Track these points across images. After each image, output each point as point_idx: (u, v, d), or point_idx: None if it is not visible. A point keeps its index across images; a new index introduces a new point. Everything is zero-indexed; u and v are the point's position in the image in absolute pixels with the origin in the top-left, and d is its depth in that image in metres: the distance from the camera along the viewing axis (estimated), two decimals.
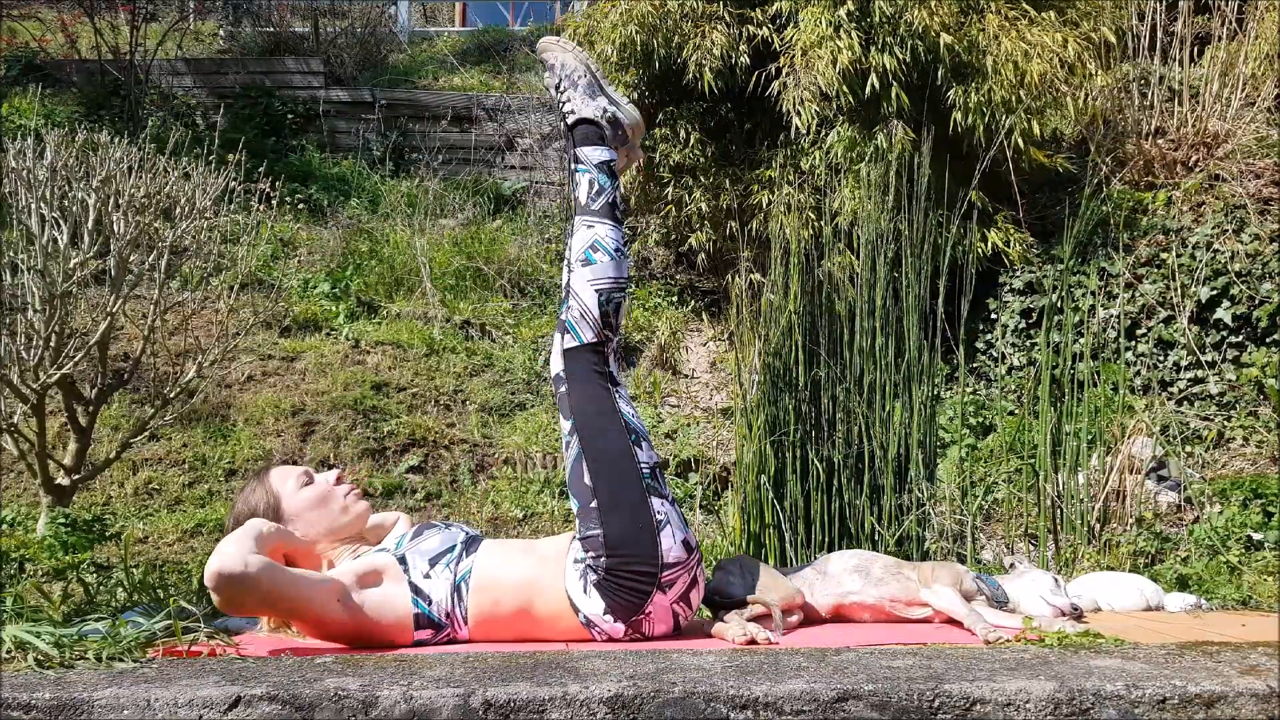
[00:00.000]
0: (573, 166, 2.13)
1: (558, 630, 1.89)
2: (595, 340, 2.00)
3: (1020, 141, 4.57)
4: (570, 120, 2.16)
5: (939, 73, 4.67)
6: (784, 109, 4.89)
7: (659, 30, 5.15)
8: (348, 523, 2.00)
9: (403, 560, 1.89)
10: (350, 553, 1.98)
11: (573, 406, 1.98)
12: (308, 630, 1.84)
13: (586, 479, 1.91)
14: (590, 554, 1.88)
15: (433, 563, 1.89)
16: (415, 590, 1.85)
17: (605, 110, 2.16)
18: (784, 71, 4.94)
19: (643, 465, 1.93)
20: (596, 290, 2.01)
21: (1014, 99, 4.58)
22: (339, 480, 2.02)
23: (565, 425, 1.98)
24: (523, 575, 1.89)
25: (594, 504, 1.89)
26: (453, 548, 1.91)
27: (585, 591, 1.87)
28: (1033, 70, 4.52)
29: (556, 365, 2.03)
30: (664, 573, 1.87)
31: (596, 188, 2.09)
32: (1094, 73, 4.78)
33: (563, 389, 2.01)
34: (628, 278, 2.07)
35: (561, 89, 2.18)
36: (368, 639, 1.83)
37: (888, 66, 4.65)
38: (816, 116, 4.85)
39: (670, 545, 1.88)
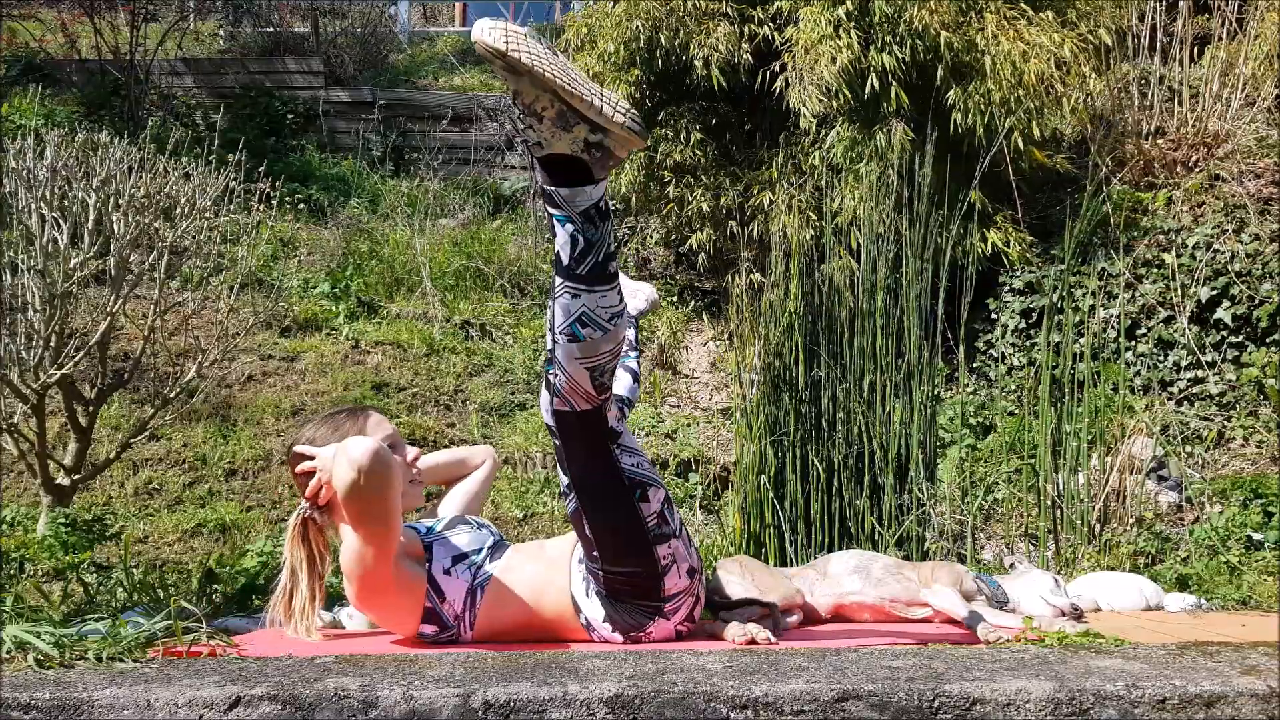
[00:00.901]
0: (547, 210, 1.68)
1: (560, 630, 1.89)
2: (589, 408, 1.73)
3: (1019, 142, 4.57)
4: (539, 153, 1.64)
5: (938, 72, 4.67)
6: (787, 105, 4.90)
7: (664, 25, 5.14)
8: (408, 499, 1.98)
9: (429, 549, 1.88)
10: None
11: (569, 466, 1.79)
12: (363, 549, 1.76)
13: (588, 531, 1.82)
14: (591, 580, 1.87)
15: (455, 560, 1.88)
16: (432, 583, 1.86)
17: (586, 140, 1.61)
18: (786, 69, 4.94)
19: (649, 519, 1.80)
20: (588, 369, 1.69)
21: (1012, 99, 4.58)
22: (414, 462, 1.98)
23: (564, 478, 1.82)
24: (531, 580, 1.90)
25: (595, 553, 1.83)
26: (479, 550, 1.91)
27: (588, 595, 1.87)
28: (1030, 70, 4.52)
29: (546, 416, 1.77)
30: (668, 604, 1.86)
31: (581, 245, 1.64)
32: (1088, 75, 4.77)
33: (556, 442, 1.79)
34: (623, 338, 1.70)
35: (524, 118, 1.62)
36: (382, 602, 1.84)
37: (887, 66, 4.65)
38: (820, 114, 4.85)
39: (675, 582, 1.85)
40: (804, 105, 4.82)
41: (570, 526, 1.90)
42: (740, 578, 2.07)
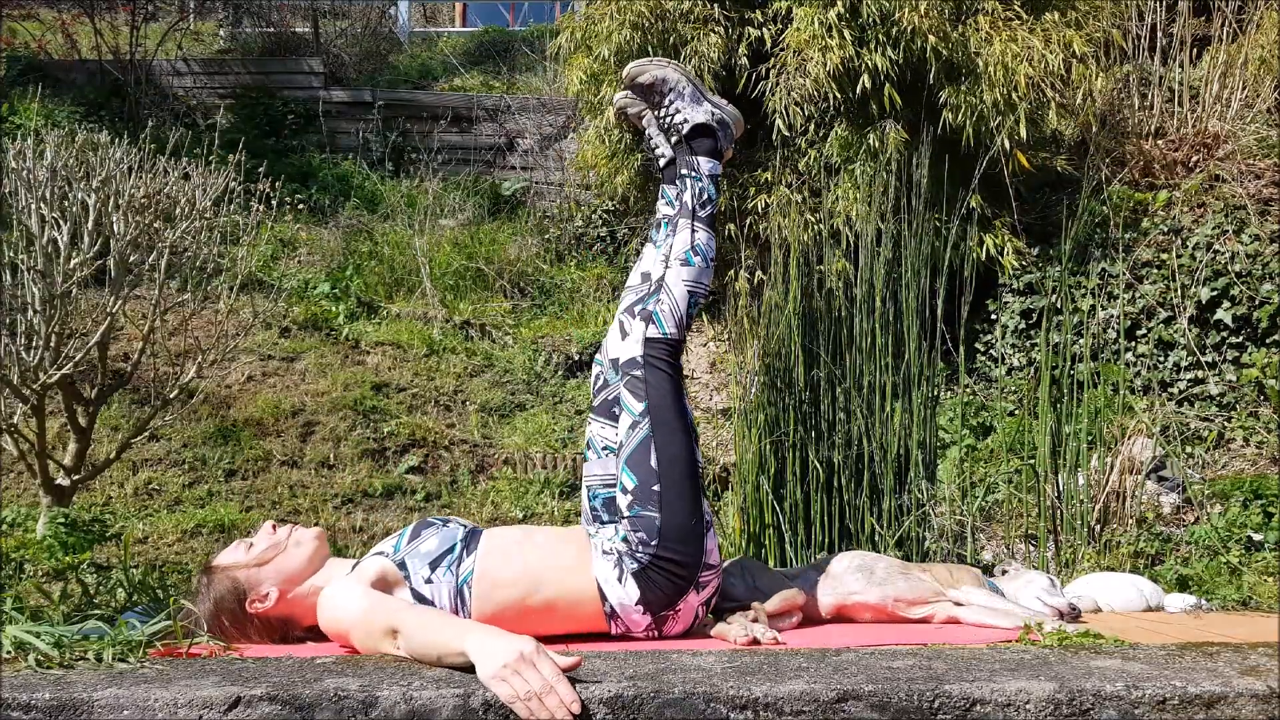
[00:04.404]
0: (684, 173, 2.21)
1: (570, 620, 1.88)
2: (677, 337, 2.08)
3: (1007, 143, 4.56)
4: (685, 130, 2.22)
5: (931, 73, 4.67)
6: (771, 109, 4.88)
7: (653, 31, 5.13)
8: (310, 551, 1.95)
9: (402, 565, 1.88)
10: (329, 570, 1.96)
11: (648, 392, 2.02)
12: (345, 631, 1.79)
13: (653, 462, 1.95)
14: (640, 535, 1.88)
15: (433, 566, 1.87)
16: (417, 597, 1.84)
17: (714, 114, 2.23)
18: (775, 71, 4.94)
19: (699, 464, 2.00)
20: (689, 291, 2.10)
21: (1004, 102, 4.57)
22: (273, 528, 1.99)
23: (636, 406, 2.01)
24: (523, 567, 1.88)
25: (657, 487, 1.92)
26: (452, 548, 1.90)
27: (620, 580, 1.87)
28: (1021, 74, 4.51)
29: (633, 350, 2.06)
30: (703, 572, 1.90)
31: (705, 197, 2.18)
32: (1095, 73, 4.77)
33: (637, 373, 2.04)
34: (709, 284, 2.16)
35: (669, 102, 2.23)
36: (367, 649, 1.82)
37: (879, 66, 4.64)
38: (805, 117, 4.83)
39: (711, 547, 1.92)
40: (781, 117, 4.81)
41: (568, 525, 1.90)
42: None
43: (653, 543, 1.88)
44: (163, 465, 4.39)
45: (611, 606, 1.87)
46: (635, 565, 1.87)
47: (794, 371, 2.98)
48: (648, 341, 2.05)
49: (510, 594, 1.87)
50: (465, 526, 1.98)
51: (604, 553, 1.90)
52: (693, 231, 2.14)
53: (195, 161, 3.63)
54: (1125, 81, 5.51)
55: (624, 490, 1.95)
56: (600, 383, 2.11)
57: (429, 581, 1.85)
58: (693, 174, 2.20)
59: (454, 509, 4.31)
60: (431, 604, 1.84)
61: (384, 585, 1.82)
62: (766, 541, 2.93)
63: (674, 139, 2.23)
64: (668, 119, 2.23)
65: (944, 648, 1.74)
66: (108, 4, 7.60)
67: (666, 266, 2.12)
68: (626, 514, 1.92)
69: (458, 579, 1.86)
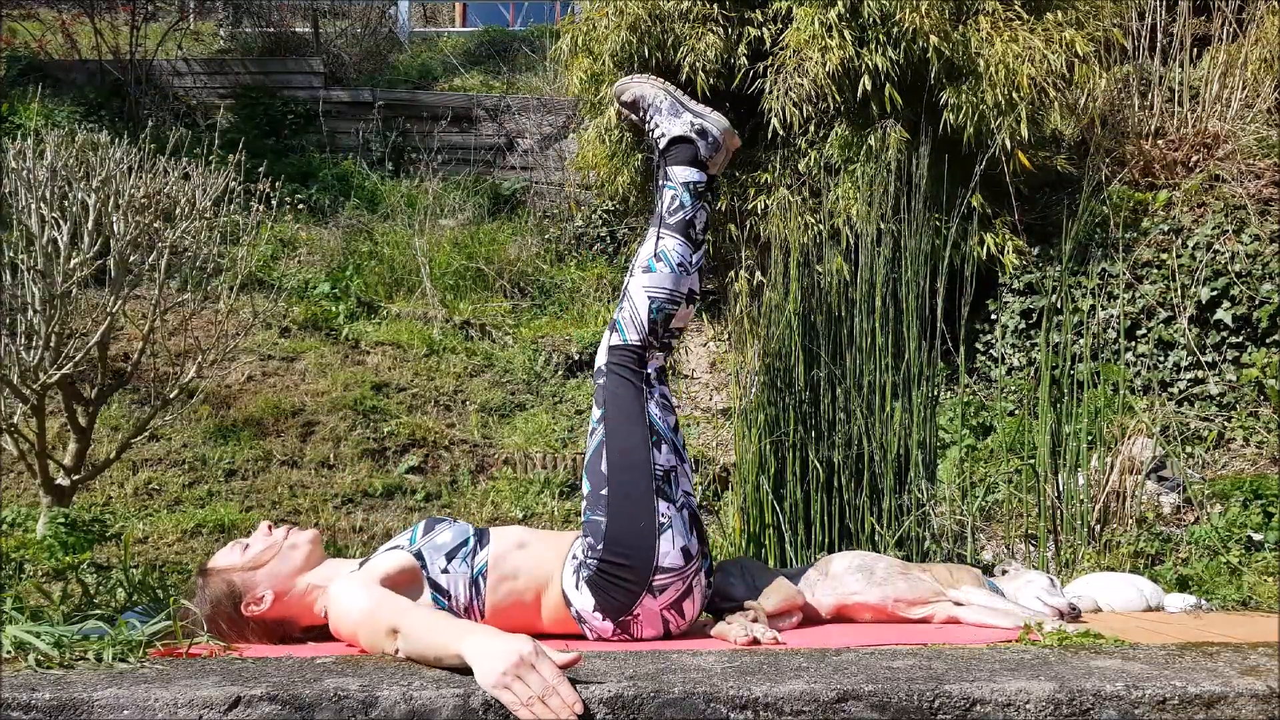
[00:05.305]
0: (660, 182, 2.21)
1: (556, 624, 1.91)
2: (638, 343, 2.06)
3: (1008, 143, 4.55)
4: (663, 143, 2.22)
5: (932, 73, 4.67)
6: (767, 109, 4.88)
7: (650, 33, 5.13)
8: (305, 554, 1.95)
9: (419, 555, 1.89)
10: (326, 570, 1.96)
11: (605, 398, 2.04)
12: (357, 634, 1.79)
13: (603, 467, 1.96)
14: (589, 540, 1.90)
15: (449, 557, 1.89)
16: (434, 587, 1.86)
17: (693, 124, 2.22)
18: (773, 71, 4.93)
19: (658, 467, 1.96)
20: (650, 297, 2.07)
21: (1005, 102, 4.57)
22: (269, 529, 1.99)
23: (595, 413, 2.04)
24: (535, 565, 1.92)
25: (604, 491, 1.93)
26: (466, 541, 1.93)
27: (577, 587, 1.89)
28: (1022, 74, 4.51)
29: (601, 358, 2.09)
30: (655, 576, 1.88)
31: (677, 203, 2.15)
32: (1098, 73, 4.77)
33: (600, 380, 2.07)
34: (686, 293, 2.11)
35: (649, 118, 2.25)
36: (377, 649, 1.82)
37: (879, 66, 4.64)
38: (805, 117, 4.83)
39: (668, 550, 1.89)
40: (777, 117, 4.80)
41: (561, 530, 1.91)
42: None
43: (599, 548, 1.88)
44: (163, 465, 4.39)
45: (576, 612, 1.89)
46: (587, 572, 1.88)
47: (794, 371, 2.98)
48: (610, 349, 2.07)
49: (516, 593, 1.90)
50: (471, 526, 2.00)
51: (571, 557, 1.92)
52: (658, 238, 2.12)
53: (195, 161, 3.63)
54: (1125, 81, 5.51)
55: (582, 496, 1.98)
56: None
57: (445, 571, 1.87)
58: (667, 182, 2.19)
59: (454, 509, 4.31)
60: (448, 593, 1.86)
61: (401, 578, 1.83)
62: (766, 541, 2.92)
63: (656, 152, 2.24)
64: (649, 134, 2.26)
65: (944, 648, 1.73)
66: (108, 4, 7.61)
67: (630, 274, 2.11)
68: (584, 519, 1.94)
69: (473, 569, 1.89)
